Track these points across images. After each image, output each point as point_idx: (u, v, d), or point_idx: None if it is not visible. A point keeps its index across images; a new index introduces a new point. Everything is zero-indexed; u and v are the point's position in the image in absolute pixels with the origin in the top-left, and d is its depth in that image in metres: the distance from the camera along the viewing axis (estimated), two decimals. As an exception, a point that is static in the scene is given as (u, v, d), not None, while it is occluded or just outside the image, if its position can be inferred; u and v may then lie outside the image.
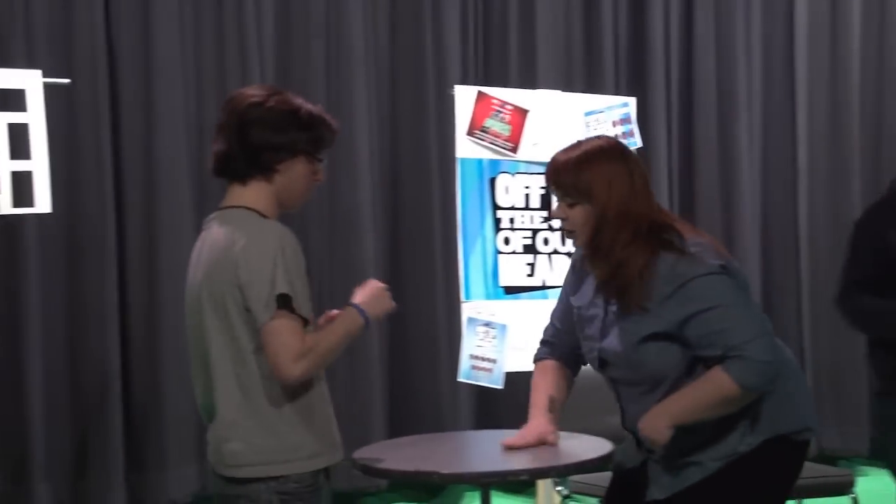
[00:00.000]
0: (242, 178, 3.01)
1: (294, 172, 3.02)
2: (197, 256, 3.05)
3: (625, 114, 5.99)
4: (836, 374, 7.25)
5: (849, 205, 7.25)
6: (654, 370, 3.13)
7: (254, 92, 3.05)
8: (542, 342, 3.50)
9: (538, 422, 3.28)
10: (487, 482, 3.07)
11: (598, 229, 3.15)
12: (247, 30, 6.03)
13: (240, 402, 2.92)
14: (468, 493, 6.39)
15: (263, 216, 2.97)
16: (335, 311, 3.12)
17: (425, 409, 6.33)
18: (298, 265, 2.91)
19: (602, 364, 3.23)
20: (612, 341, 3.18)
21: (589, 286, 3.28)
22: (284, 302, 2.84)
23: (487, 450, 3.36)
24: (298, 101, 3.05)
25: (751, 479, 3.16)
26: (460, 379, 5.69)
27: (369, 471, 3.13)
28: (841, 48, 7.29)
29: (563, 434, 3.32)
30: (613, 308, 3.19)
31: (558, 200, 3.24)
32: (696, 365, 3.12)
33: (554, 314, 3.49)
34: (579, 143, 3.29)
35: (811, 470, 5.02)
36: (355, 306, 3.02)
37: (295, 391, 2.91)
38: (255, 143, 2.96)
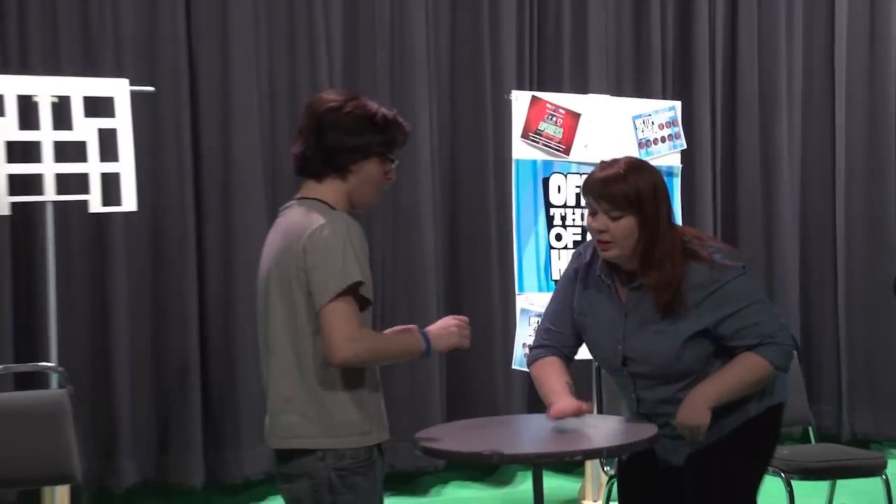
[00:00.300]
0: (318, 176, 3.00)
1: (367, 172, 3.01)
2: (270, 242, 3.05)
3: (671, 117, 5.98)
4: (870, 365, 7.19)
5: (885, 204, 7.20)
6: (688, 365, 3.21)
7: (332, 97, 3.04)
8: (536, 346, 3.45)
9: (568, 399, 3.26)
10: (543, 462, 3.06)
11: (651, 240, 3.17)
12: (317, 41, 6.05)
13: (296, 379, 2.91)
14: (520, 473, 6.39)
15: (333, 208, 2.97)
16: (402, 327, 3.11)
17: (480, 394, 6.33)
18: (364, 252, 2.91)
19: (623, 362, 3.27)
20: (644, 345, 3.23)
21: (600, 294, 3.31)
22: (352, 289, 2.84)
23: (539, 432, 3.34)
24: (374, 105, 3.04)
25: (758, 438, 3.32)
26: (514, 366, 5.71)
27: (431, 452, 3.11)
28: (879, 53, 7.22)
29: (607, 417, 3.32)
30: (636, 313, 3.23)
31: (601, 213, 3.20)
32: (715, 356, 3.23)
33: (547, 316, 3.46)
34: (614, 160, 3.29)
35: (846, 453, 5.04)
36: (423, 333, 3.01)
37: (347, 376, 2.89)
38: (330, 145, 2.96)
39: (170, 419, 5.84)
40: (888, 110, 7.20)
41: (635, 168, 3.23)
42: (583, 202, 5.68)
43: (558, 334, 3.39)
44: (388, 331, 3.11)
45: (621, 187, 3.16)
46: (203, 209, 5.92)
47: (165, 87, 5.73)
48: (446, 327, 3.03)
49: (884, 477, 4.66)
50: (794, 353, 3.33)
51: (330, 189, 2.99)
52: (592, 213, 3.22)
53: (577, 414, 3.20)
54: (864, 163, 7.20)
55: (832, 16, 7.15)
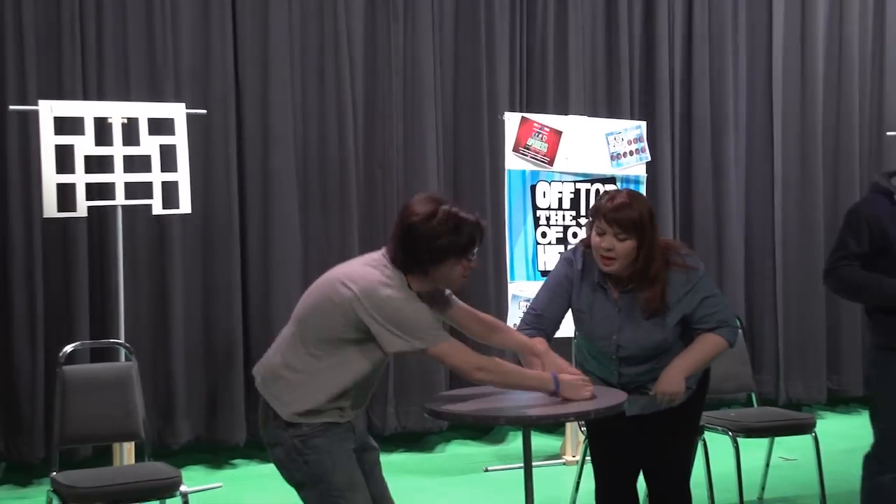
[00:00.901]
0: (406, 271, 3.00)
1: (444, 271, 2.99)
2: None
3: (638, 134, 6.00)
4: (802, 341, 7.20)
5: (814, 210, 7.20)
6: (670, 348, 3.37)
7: (419, 209, 2.95)
8: (527, 328, 3.45)
9: (572, 368, 3.36)
10: (536, 424, 3.11)
11: (648, 258, 3.27)
12: (343, 71, 6.07)
13: (283, 360, 3.00)
14: (511, 433, 6.42)
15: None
16: (535, 350, 3.23)
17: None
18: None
19: (617, 349, 3.37)
20: (637, 335, 3.33)
21: (595, 294, 3.38)
22: None
23: (531, 398, 3.38)
24: (455, 214, 2.95)
25: (703, 395, 3.53)
26: (507, 344, 5.73)
27: (437, 414, 3.13)
28: (809, 83, 7.22)
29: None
30: (629, 309, 3.34)
31: (609, 234, 3.27)
32: (679, 336, 3.40)
33: (536, 304, 3.48)
34: (617, 191, 3.39)
35: (783, 414, 5.05)
36: (555, 378, 3.07)
37: (325, 376, 2.95)
38: (411, 252, 2.95)
39: (217, 387, 5.87)
40: (816, 131, 7.20)
41: (637, 198, 3.35)
42: (563, 206, 5.77)
43: (546, 319, 3.43)
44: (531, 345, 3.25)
45: (629, 214, 3.24)
46: (246, 212, 5.95)
47: (216, 110, 5.77)
48: (576, 384, 3.11)
49: (813, 434, 4.68)
50: (740, 331, 3.52)
51: (415, 280, 3.00)
52: (601, 234, 3.28)
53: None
54: (797, 175, 7.20)
55: (770, 51, 7.16)
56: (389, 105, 6.19)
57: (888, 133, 7.18)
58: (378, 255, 3.02)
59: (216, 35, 5.83)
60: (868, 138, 7.39)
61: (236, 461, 5.88)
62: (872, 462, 3.71)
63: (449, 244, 2.92)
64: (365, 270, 2.95)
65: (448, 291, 3.20)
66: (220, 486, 5.42)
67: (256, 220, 5.95)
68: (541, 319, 3.44)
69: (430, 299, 3.08)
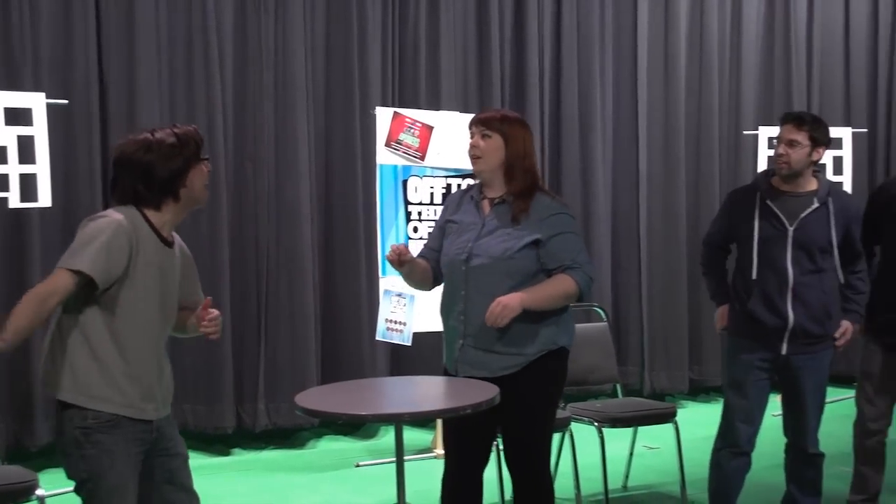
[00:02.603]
0: None
1: (192, 183, 2.93)
2: None
3: (507, 131, 6.04)
4: (665, 334, 7.41)
5: (677, 204, 7.42)
6: (517, 267, 3.34)
7: (140, 141, 2.89)
8: (418, 256, 3.60)
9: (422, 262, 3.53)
10: (408, 420, 3.08)
11: (514, 157, 3.38)
12: (212, 63, 5.95)
13: (57, 340, 2.86)
14: (383, 428, 6.42)
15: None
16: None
17: (349, 361, 6.32)
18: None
19: (468, 258, 3.39)
20: (490, 242, 3.37)
21: (470, 209, 3.48)
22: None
23: (401, 393, 3.38)
24: (168, 131, 2.92)
25: (551, 371, 3.43)
26: (378, 338, 5.74)
27: (309, 411, 3.09)
28: (672, 83, 7.42)
29: (456, 381, 3.37)
30: (492, 222, 3.40)
31: (477, 136, 3.41)
32: (536, 276, 3.36)
33: (430, 239, 3.65)
34: (498, 109, 3.64)
35: (646, 404, 5.17)
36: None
37: (99, 348, 2.81)
38: (153, 184, 2.89)
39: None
40: (679, 129, 7.40)
41: (509, 114, 3.51)
42: (435, 200, 5.79)
43: (433, 251, 3.56)
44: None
45: (492, 113, 3.46)
46: (110, 206, 5.76)
47: (78, 101, 5.58)
48: None
49: (674, 423, 4.81)
50: (592, 287, 3.47)
51: (168, 210, 2.95)
52: (471, 138, 3.44)
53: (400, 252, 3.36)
54: (661, 171, 7.39)
55: (635, 51, 7.32)
56: (260, 99, 6.10)
57: (745, 132, 7.46)
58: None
59: (79, 23, 5.63)
60: (727, 137, 7.65)
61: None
62: (716, 439, 4.16)
63: (185, 157, 2.88)
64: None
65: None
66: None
67: (121, 214, 5.77)
68: (427, 251, 3.60)
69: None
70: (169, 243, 2.95)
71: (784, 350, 3.96)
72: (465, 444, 3.53)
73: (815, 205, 3.94)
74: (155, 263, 2.88)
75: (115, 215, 2.83)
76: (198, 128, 3.00)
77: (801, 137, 3.93)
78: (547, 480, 3.49)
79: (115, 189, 2.93)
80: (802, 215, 3.92)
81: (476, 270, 3.35)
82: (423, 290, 3.72)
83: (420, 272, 3.54)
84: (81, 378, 2.80)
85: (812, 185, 3.99)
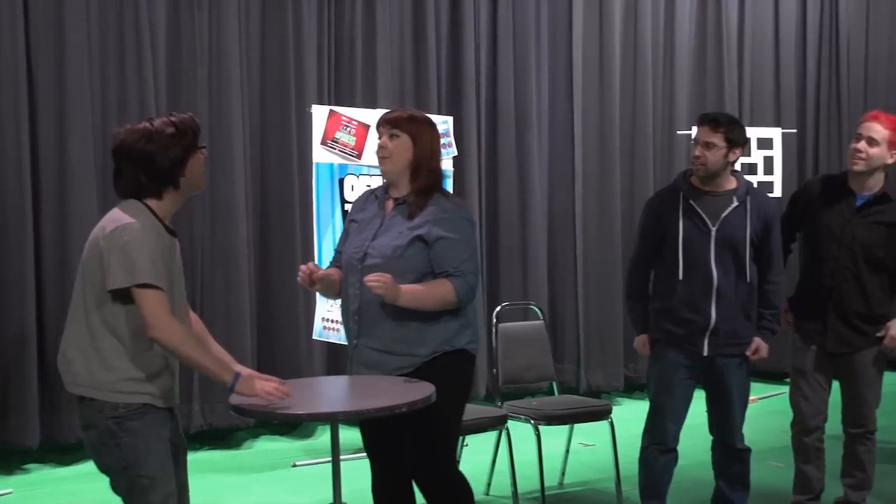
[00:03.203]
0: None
1: (191, 170, 3.00)
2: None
3: (444, 129, 6.04)
4: (601, 331, 7.47)
5: (611, 204, 7.49)
6: (406, 266, 3.32)
7: (140, 132, 2.95)
8: (330, 266, 3.61)
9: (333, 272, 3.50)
10: (343, 419, 3.07)
11: (421, 157, 3.38)
12: (144, 60, 5.86)
13: (87, 339, 2.94)
14: (320, 427, 6.39)
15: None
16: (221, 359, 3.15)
17: (286, 360, 6.28)
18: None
19: (363, 257, 3.38)
20: (385, 240, 3.36)
21: (373, 208, 3.48)
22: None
23: (338, 392, 3.36)
24: (166, 120, 2.98)
25: (450, 371, 3.37)
26: (314, 337, 5.72)
27: (243, 411, 3.07)
28: (606, 87, 7.49)
29: (392, 380, 3.35)
30: (391, 221, 3.39)
31: (385, 136, 3.40)
32: (428, 276, 3.35)
33: (339, 242, 3.65)
34: (405, 109, 3.62)
35: (582, 402, 5.21)
36: (236, 374, 2.97)
37: (132, 348, 2.91)
38: (154, 172, 2.96)
39: (8, 386, 5.56)
40: (614, 128, 7.48)
41: (417, 113, 3.51)
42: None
43: (340, 254, 3.55)
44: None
45: (399, 113, 3.45)
46: (40, 202, 5.65)
47: (5, 97, 5.48)
48: (251, 379, 2.99)
49: (610, 420, 4.86)
50: (472, 297, 3.43)
51: (168, 199, 3.01)
52: (380, 138, 3.43)
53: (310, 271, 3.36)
54: (596, 170, 7.46)
55: (570, 51, 7.37)
56: (194, 96, 6.03)
57: (678, 132, 7.57)
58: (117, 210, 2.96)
59: (5, 17, 5.50)
60: (660, 136, 7.75)
61: (29, 466, 5.58)
62: (644, 436, 4.23)
63: (183, 146, 2.93)
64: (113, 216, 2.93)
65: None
66: (10, 493, 5.13)
67: (52, 211, 5.68)
68: (339, 255, 3.56)
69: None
70: (173, 232, 3.01)
71: (706, 350, 4.02)
72: (381, 446, 3.51)
73: (735, 203, 4.01)
74: (166, 254, 2.94)
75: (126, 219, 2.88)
76: (194, 115, 3.05)
77: (717, 139, 4.00)
78: (453, 482, 3.43)
79: (117, 181, 2.98)
80: (723, 214, 3.99)
81: (369, 270, 3.32)
82: (338, 300, 3.67)
83: (334, 285, 3.50)
84: (114, 374, 2.87)
85: (731, 184, 4.07)
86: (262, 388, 2.98)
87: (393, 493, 3.52)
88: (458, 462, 3.48)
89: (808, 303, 4.24)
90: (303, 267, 3.39)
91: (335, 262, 3.59)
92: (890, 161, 4.15)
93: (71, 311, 2.98)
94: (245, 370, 3.10)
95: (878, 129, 4.12)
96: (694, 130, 4.26)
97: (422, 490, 3.47)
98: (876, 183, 4.18)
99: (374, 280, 3.20)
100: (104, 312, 2.89)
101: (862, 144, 4.13)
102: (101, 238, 2.88)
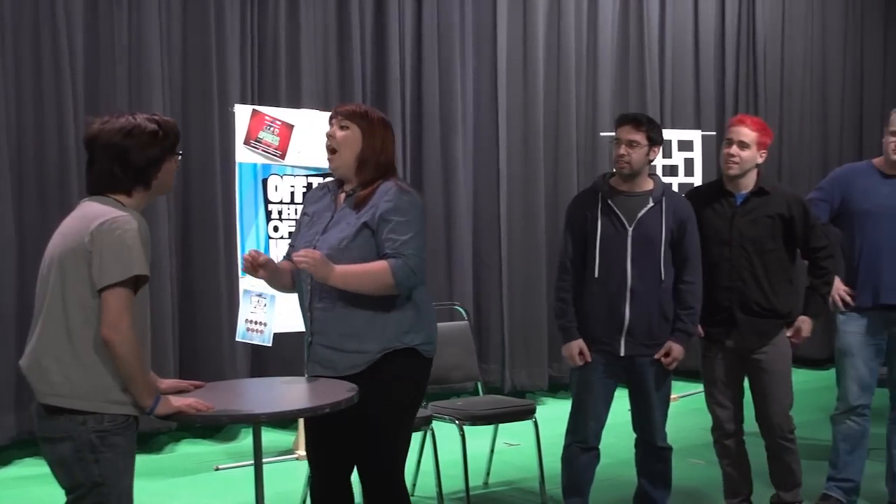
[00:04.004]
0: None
1: (164, 173, 2.94)
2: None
3: (369, 130, 6.03)
4: (525, 330, 7.53)
5: (536, 205, 7.56)
6: (355, 256, 3.25)
7: (117, 125, 2.87)
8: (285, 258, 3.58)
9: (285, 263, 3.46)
10: (265, 421, 3.03)
11: (370, 150, 3.35)
12: (61, 58, 5.73)
13: (65, 345, 2.78)
14: (244, 430, 6.32)
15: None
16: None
17: (209, 362, 6.21)
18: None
19: (313, 249, 3.32)
20: (334, 233, 3.32)
21: (326, 201, 3.43)
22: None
23: (261, 393, 3.33)
24: (150, 118, 2.92)
25: (401, 373, 3.30)
26: (238, 339, 5.65)
27: (165, 415, 2.97)
28: (530, 89, 7.56)
29: (317, 381, 3.32)
30: (340, 213, 3.35)
31: (336, 127, 3.37)
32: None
33: (293, 238, 3.58)
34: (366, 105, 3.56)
35: (506, 402, 5.22)
36: (158, 398, 2.84)
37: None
38: (128, 168, 2.87)
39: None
40: (538, 129, 7.54)
41: (371, 109, 3.45)
42: (296, 199, 5.73)
43: (294, 249, 3.46)
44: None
45: (351, 105, 3.42)
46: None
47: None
48: (181, 404, 2.90)
49: (534, 419, 4.90)
50: (415, 283, 3.31)
51: (138, 196, 2.92)
52: (331, 128, 3.40)
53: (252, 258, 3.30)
54: (520, 170, 7.52)
55: (495, 53, 7.42)
56: (113, 94, 5.92)
57: (602, 134, 7.67)
58: (88, 202, 2.86)
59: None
60: (584, 137, 7.84)
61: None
62: (566, 435, 4.27)
63: (163, 147, 2.88)
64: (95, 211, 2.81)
65: None
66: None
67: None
68: (292, 249, 3.50)
69: None
70: None
71: (623, 350, 4.08)
72: (321, 447, 3.46)
73: (651, 204, 4.08)
74: (148, 250, 2.85)
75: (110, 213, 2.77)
76: (177, 122, 3.02)
77: (640, 137, 4.07)
78: (396, 487, 3.38)
79: (90, 172, 2.88)
80: (640, 214, 4.06)
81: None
82: (288, 293, 3.59)
83: (282, 275, 3.45)
84: (100, 382, 2.75)
85: (648, 184, 4.14)
86: (182, 403, 2.91)
87: (330, 495, 3.49)
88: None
89: (711, 308, 4.30)
90: (245, 255, 3.33)
91: (288, 256, 3.54)
92: (760, 161, 4.30)
93: (43, 315, 2.79)
94: (165, 383, 3.05)
95: (747, 133, 4.26)
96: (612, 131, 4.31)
97: (365, 495, 3.41)
98: (750, 182, 4.29)
99: (301, 256, 3.15)
100: (88, 314, 2.74)
101: (734, 149, 4.25)
102: (87, 233, 2.74)
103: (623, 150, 4.08)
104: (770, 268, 4.25)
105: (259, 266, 3.32)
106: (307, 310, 3.38)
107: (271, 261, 3.40)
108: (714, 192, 4.36)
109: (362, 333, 3.28)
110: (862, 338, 4.44)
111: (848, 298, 4.44)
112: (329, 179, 3.59)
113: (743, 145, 4.25)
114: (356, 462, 3.40)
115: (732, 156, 4.26)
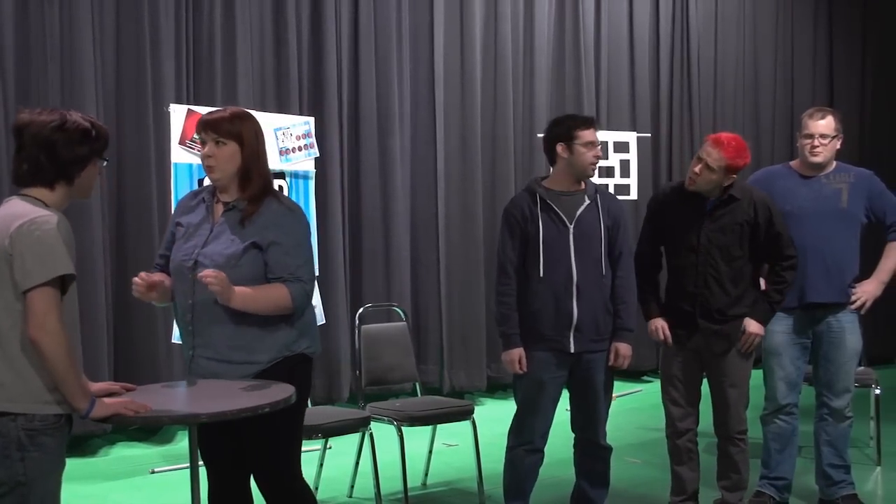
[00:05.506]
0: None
1: (87, 175, 2.95)
2: None
3: (306, 130, 6.03)
4: (464, 330, 7.57)
5: (474, 204, 7.61)
6: (244, 273, 3.24)
7: (47, 118, 2.87)
8: (156, 267, 3.50)
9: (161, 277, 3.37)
10: (200, 421, 3.01)
11: (250, 162, 3.28)
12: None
13: None
14: (180, 432, 6.28)
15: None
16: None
17: (144, 364, 6.15)
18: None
19: (194, 265, 3.29)
20: (216, 248, 3.27)
21: (201, 212, 3.38)
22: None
23: (197, 394, 3.31)
24: (84, 118, 2.94)
25: (290, 377, 3.28)
26: (173, 340, 5.61)
27: (99, 417, 2.91)
28: (467, 89, 7.61)
29: (254, 382, 3.30)
30: (220, 227, 3.30)
31: (209, 142, 3.28)
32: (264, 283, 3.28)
33: (162, 246, 3.51)
34: (226, 108, 3.45)
35: (445, 402, 5.26)
36: (93, 400, 2.83)
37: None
38: (54, 162, 2.86)
39: None
40: (475, 129, 7.60)
41: (241, 111, 3.39)
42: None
43: (165, 258, 3.44)
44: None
45: (222, 115, 3.32)
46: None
47: None
48: (116, 404, 2.89)
49: (472, 420, 4.93)
50: (307, 303, 3.37)
51: (60, 192, 2.91)
52: (203, 144, 3.31)
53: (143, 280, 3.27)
54: (458, 171, 7.56)
55: (432, 54, 7.45)
56: (45, 93, 5.82)
57: (539, 135, 7.73)
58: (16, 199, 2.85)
59: None
60: (521, 138, 7.92)
61: None
62: (509, 437, 4.29)
63: (92, 149, 2.90)
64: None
65: None
66: None
67: None
68: (163, 259, 3.46)
69: None
70: None
71: (572, 347, 4.14)
72: (217, 451, 3.43)
73: (587, 202, 4.17)
74: (72, 248, 2.85)
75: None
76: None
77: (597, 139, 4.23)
78: (296, 490, 3.37)
79: (16, 159, 2.86)
80: (578, 212, 4.15)
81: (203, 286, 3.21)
82: (163, 305, 3.52)
83: (169, 291, 3.39)
84: (31, 384, 2.74)
85: (580, 184, 4.23)
86: (118, 404, 2.89)
87: (229, 500, 3.46)
88: (303, 468, 3.43)
89: (675, 309, 4.39)
90: (136, 280, 3.26)
91: (161, 268, 3.46)
92: (727, 183, 4.29)
93: None
94: (95, 386, 3.03)
95: (717, 158, 4.22)
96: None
97: (265, 498, 3.40)
98: (718, 190, 4.34)
99: (210, 276, 3.11)
100: (15, 317, 2.73)
101: (699, 168, 4.27)
102: (7, 236, 2.73)
103: (599, 151, 4.19)
104: (736, 274, 4.31)
105: (153, 287, 3.29)
106: (189, 323, 3.34)
107: (160, 281, 3.33)
108: (686, 195, 4.37)
109: (252, 345, 3.28)
110: (788, 337, 4.54)
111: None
112: (204, 187, 3.53)
113: (709, 168, 4.23)
114: (253, 466, 3.38)
115: (696, 173, 4.27)
